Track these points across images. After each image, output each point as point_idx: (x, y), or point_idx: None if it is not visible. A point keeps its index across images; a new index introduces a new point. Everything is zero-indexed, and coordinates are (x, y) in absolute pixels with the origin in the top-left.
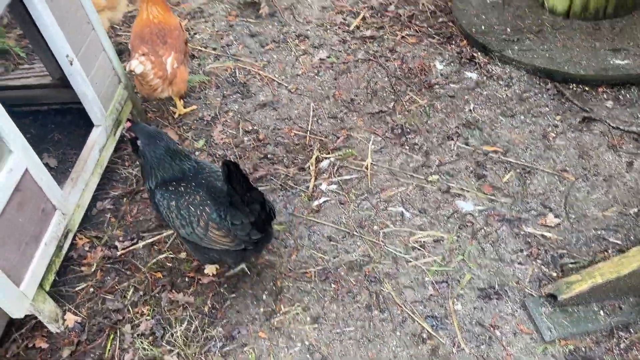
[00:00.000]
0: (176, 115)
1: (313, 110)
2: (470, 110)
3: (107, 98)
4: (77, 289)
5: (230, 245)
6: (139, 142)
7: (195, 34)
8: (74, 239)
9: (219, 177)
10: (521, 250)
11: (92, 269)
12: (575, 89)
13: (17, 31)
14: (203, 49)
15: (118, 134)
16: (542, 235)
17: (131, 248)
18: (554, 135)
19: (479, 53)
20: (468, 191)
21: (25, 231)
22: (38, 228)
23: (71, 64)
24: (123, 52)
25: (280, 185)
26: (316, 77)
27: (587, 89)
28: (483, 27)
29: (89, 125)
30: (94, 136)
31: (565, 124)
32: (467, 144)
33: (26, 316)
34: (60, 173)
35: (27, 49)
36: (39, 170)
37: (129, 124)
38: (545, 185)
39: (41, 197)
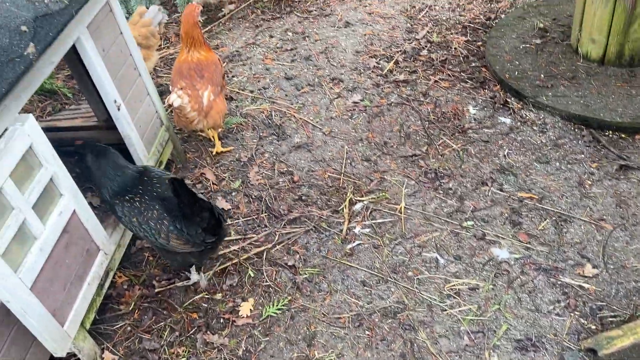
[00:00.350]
0: (213, 153)
1: (347, 153)
2: (505, 155)
3: (150, 140)
4: (115, 327)
5: (191, 249)
6: (88, 157)
7: (233, 76)
8: (113, 277)
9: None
10: (558, 301)
11: (130, 308)
12: (611, 136)
13: (65, 72)
14: (241, 91)
15: None
16: (580, 286)
17: (168, 287)
18: (590, 183)
19: (513, 98)
20: (503, 238)
21: (70, 271)
22: (82, 268)
23: (118, 109)
24: (164, 93)
25: (314, 227)
26: (350, 120)
27: (623, 136)
28: (516, 73)
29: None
30: None
31: (602, 171)
32: (501, 190)
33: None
34: (103, 212)
35: (73, 89)
36: (86, 212)
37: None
38: (582, 234)
39: (87, 238)
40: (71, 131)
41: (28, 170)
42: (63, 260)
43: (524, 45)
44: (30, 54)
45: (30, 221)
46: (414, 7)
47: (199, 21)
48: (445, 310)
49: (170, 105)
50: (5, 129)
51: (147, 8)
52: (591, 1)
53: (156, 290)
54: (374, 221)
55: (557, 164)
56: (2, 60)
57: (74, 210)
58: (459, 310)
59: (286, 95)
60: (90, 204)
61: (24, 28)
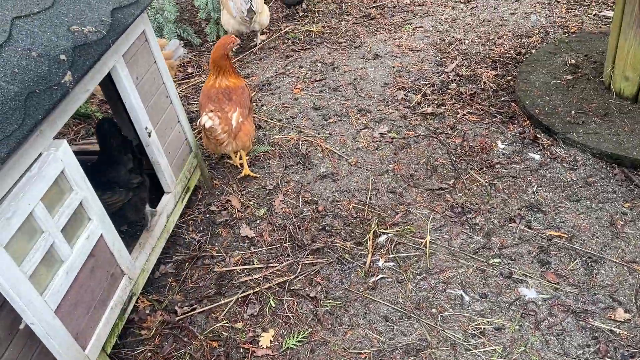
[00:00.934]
0: (242, 174)
1: (372, 184)
2: (534, 192)
3: (178, 166)
4: (135, 352)
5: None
6: None
7: (262, 105)
8: (136, 301)
9: None
10: (588, 346)
11: (151, 333)
12: None
13: (99, 95)
14: (269, 120)
15: (186, 200)
16: (611, 331)
17: (190, 314)
18: (623, 224)
19: (542, 134)
20: (531, 277)
21: (94, 295)
22: (106, 292)
23: (149, 135)
24: (194, 120)
25: (337, 258)
26: (376, 151)
27: None
28: (547, 109)
29: (159, 189)
30: (164, 203)
31: (635, 212)
32: (530, 228)
33: None
34: (129, 236)
35: (107, 113)
36: (113, 236)
37: None
38: (613, 276)
39: (112, 262)
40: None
41: (59, 194)
42: (88, 284)
43: (554, 81)
44: (67, 82)
45: (59, 244)
46: (444, 40)
47: (230, 53)
48: (470, 350)
49: (201, 127)
50: (40, 154)
51: (169, 40)
52: (624, 39)
53: (177, 318)
54: (398, 255)
55: (588, 202)
56: (41, 87)
57: (101, 235)
58: (484, 351)
59: (313, 125)
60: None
61: (62, 57)
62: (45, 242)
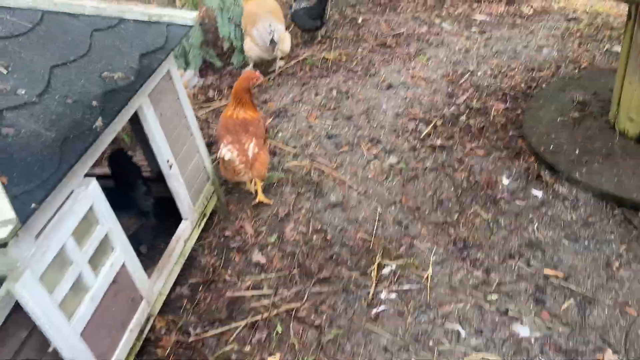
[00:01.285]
0: (256, 200)
1: (379, 215)
2: (534, 230)
3: (196, 194)
4: None
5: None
6: None
7: (278, 131)
8: (152, 321)
9: None
10: None
11: (166, 352)
12: None
13: None
14: (284, 146)
15: (202, 225)
16: None
17: (202, 336)
18: (618, 265)
19: (547, 171)
20: (526, 315)
21: (115, 319)
22: (126, 315)
23: (170, 167)
24: (213, 144)
25: (343, 288)
26: (385, 182)
27: None
28: (552, 146)
29: (177, 214)
30: (181, 229)
31: (631, 254)
32: (528, 265)
33: None
34: (149, 259)
35: (131, 135)
36: (134, 264)
37: None
38: (605, 317)
39: (132, 288)
40: None
41: (87, 227)
42: (110, 309)
43: (561, 118)
44: (97, 127)
45: (85, 274)
46: (457, 71)
47: (252, 88)
48: None
49: (221, 159)
50: (72, 192)
51: (185, 70)
52: (629, 82)
53: (190, 339)
54: (400, 287)
55: (586, 242)
56: (75, 133)
57: (124, 263)
58: None
59: (326, 153)
60: (138, 251)
61: (94, 103)
62: (74, 272)
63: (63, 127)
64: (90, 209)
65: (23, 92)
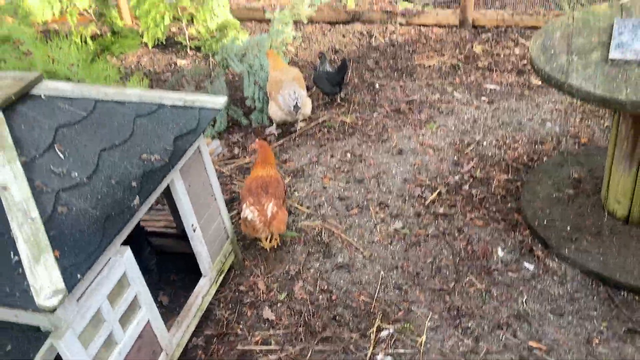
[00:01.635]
0: (266, 246)
1: (382, 279)
2: (523, 302)
3: (216, 252)
4: None
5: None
6: None
7: (294, 191)
8: None
9: None
10: None
11: None
12: (626, 296)
13: None
14: (299, 206)
15: (220, 281)
16: None
17: None
18: (598, 342)
19: (539, 246)
20: None
21: None
22: None
23: (194, 231)
24: (235, 199)
25: (343, 348)
26: (389, 246)
27: (637, 298)
28: (545, 221)
29: (198, 269)
30: (200, 285)
31: (611, 331)
32: (514, 336)
33: None
34: (170, 311)
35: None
36: (157, 321)
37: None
38: None
39: (154, 341)
40: (153, 236)
41: (119, 289)
42: None
43: (557, 194)
44: (135, 205)
45: (116, 331)
46: (463, 141)
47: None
48: None
49: (244, 219)
50: (109, 259)
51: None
52: (616, 169)
53: None
54: (396, 350)
55: (570, 317)
56: (116, 211)
57: (148, 320)
58: None
59: (337, 215)
60: (160, 302)
61: (134, 184)
62: (107, 330)
63: (106, 206)
64: (124, 274)
65: (76, 174)
